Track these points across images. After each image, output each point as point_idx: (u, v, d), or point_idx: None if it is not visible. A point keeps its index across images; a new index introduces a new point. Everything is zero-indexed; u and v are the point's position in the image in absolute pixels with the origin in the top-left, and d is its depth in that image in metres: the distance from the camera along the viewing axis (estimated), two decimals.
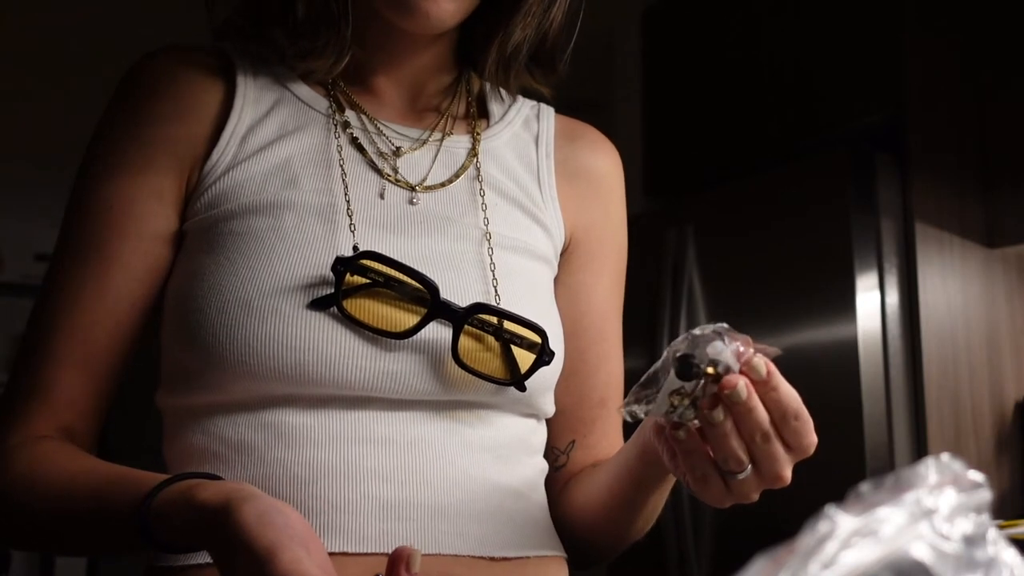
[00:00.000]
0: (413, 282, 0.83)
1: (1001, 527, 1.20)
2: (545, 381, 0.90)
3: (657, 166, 3.02)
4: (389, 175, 0.92)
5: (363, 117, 0.95)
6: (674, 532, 2.48)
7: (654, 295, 2.60)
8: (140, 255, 0.88)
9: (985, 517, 0.36)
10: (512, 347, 0.86)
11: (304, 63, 0.92)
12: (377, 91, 0.97)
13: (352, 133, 0.93)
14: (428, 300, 0.83)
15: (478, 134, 0.99)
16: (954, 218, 2.34)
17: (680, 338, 0.72)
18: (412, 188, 0.92)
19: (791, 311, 2.33)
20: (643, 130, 3.07)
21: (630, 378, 0.84)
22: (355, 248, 0.85)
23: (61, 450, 0.83)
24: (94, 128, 0.93)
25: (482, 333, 0.85)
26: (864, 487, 0.34)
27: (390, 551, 0.80)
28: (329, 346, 0.81)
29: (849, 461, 2.16)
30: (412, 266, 0.83)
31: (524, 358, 0.86)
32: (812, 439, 0.71)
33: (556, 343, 0.90)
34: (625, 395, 0.80)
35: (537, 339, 0.86)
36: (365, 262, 0.82)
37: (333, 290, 0.81)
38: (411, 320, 0.83)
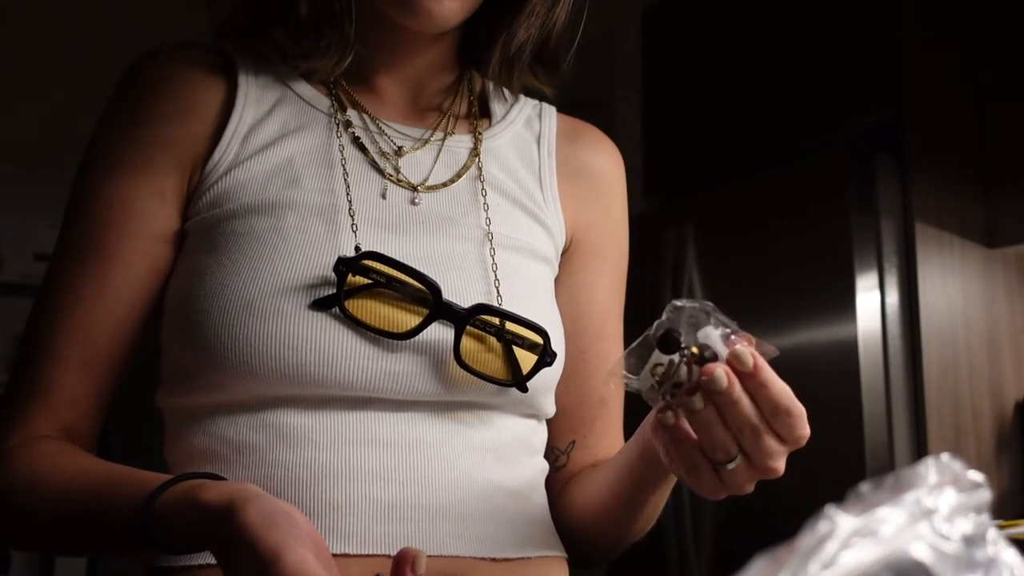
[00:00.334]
0: (415, 283, 0.83)
1: (1001, 527, 1.20)
2: (546, 382, 0.90)
3: (657, 166, 3.02)
4: (391, 175, 0.91)
5: (365, 116, 0.94)
6: (674, 532, 2.48)
7: (654, 295, 2.60)
8: (140, 255, 0.88)
9: (985, 517, 0.36)
10: (514, 348, 0.85)
11: (307, 62, 0.91)
12: (379, 90, 0.97)
13: (354, 132, 0.93)
14: (430, 301, 0.83)
15: (480, 133, 0.98)
16: (954, 218, 2.34)
17: (667, 307, 0.71)
18: (414, 188, 0.92)
19: (791, 311, 2.33)
20: (643, 130, 3.07)
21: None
22: (357, 248, 0.85)
23: (61, 450, 0.83)
24: (94, 127, 0.93)
25: (484, 334, 0.84)
26: (864, 487, 0.34)
27: (391, 552, 0.80)
28: (331, 346, 0.81)
29: (849, 461, 2.16)
30: (414, 267, 0.83)
31: (526, 359, 0.86)
32: (805, 431, 0.70)
33: (557, 344, 0.90)
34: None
35: (539, 340, 0.86)
36: (367, 262, 0.82)
37: (335, 290, 0.81)
38: (413, 321, 0.83)
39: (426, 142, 0.95)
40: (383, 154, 0.93)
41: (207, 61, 0.93)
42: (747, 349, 0.69)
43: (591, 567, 1.02)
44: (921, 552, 0.31)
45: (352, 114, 0.94)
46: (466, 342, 0.83)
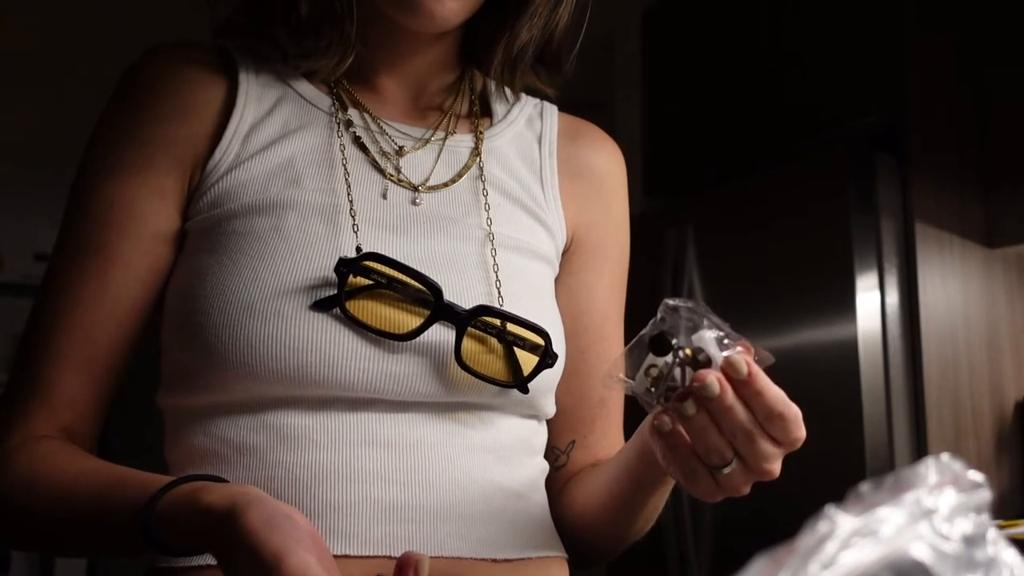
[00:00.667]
0: (416, 284, 0.83)
1: (1001, 527, 1.20)
2: (547, 382, 0.90)
3: (657, 166, 3.02)
4: (392, 175, 0.91)
5: (366, 116, 0.94)
6: (674, 532, 2.48)
7: (654, 295, 2.60)
8: (141, 254, 0.87)
9: (985, 517, 0.36)
10: (515, 349, 0.85)
11: (307, 62, 0.91)
12: (380, 89, 0.97)
13: (355, 132, 0.93)
14: (431, 302, 0.82)
15: (481, 133, 0.98)
16: (954, 218, 2.34)
17: (661, 306, 0.71)
18: (415, 188, 0.91)
19: (791, 311, 2.33)
20: (643, 130, 3.07)
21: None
22: (358, 249, 0.85)
23: (61, 450, 0.83)
24: (94, 127, 0.92)
25: (485, 335, 0.84)
26: (864, 487, 0.34)
27: (392, 553, 0.80)
28: (331, 348, 0.81)
29: (849, 461, 2.16)
30: (415, 268, 0.83)
31: (527, 360, 0.86)
32: (800, 434, 0.70)
33: (558, 345, 0.90)
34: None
35: (540, 341, 0.86)
36: (368, 263, 0.82)
37: (336, 291, 0.81)
38: (414, 322, 0.82)
39: (427, 142, 0.95)
40: (384, 154, 0.92)
41: (207, 60, 0.93)
42: (742, 357, 0.68)
43: (591, 567, 1.02)
44: (921, 552, 0.31)
45: (353, 113, 0.94)
46: (467, 343, 0.83)
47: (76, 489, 0.79)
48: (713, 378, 0.68)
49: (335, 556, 0.78)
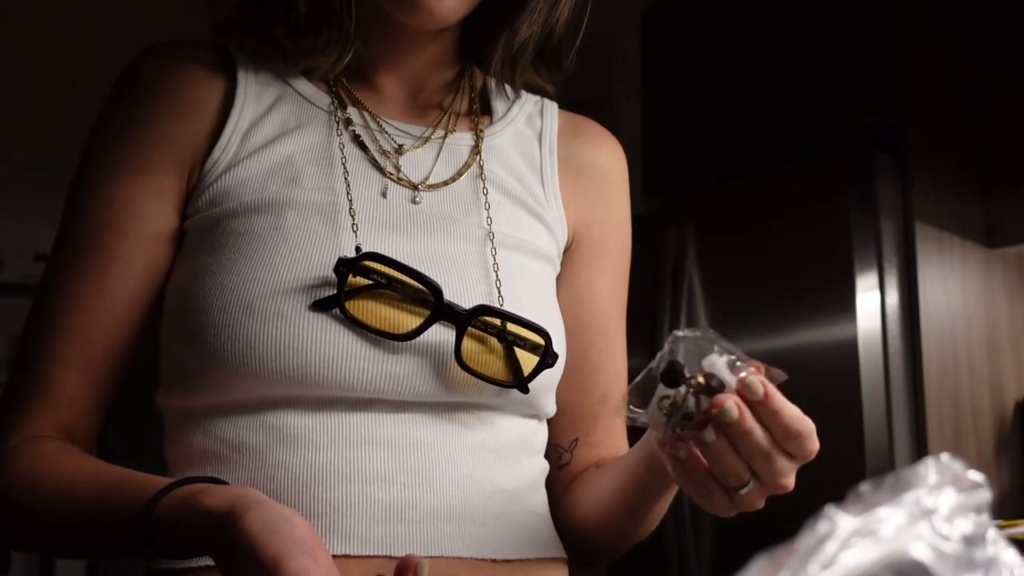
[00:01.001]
0: (416, 284, 0.82)
1: (1001, 527, 1.20)
2: (547, 382, 0.90)
3: (657, 166, 3.02)
4: (391, 173, 0.91)
5: (365, 114, 0.94)
6: (674, 532, 2.48)
7: (654, 295, 2.60)
8: (140, 254, 0.87)
9: (985, 517, 0.36)
10: (515, 349, 0.85)
11: (306, 60, 0.91)
12: (379, 87, 0.96)
13: (354, 130, 0.92)
14: (431, 302, 0.82)
15: (481, 131, 0.98)
16: (954, 218, 2.34)
17: (668, 338, 0.71)
18: (415, 187, 0.91)
19: (791, 311, 2.33)
20: (643, 130, 3.07)
21: (632, 377, 0.83)
22: (358, 248, 0.84)
23: (61, 451, 0.83)
24: (92, 125, 0.92)
25: (485, 335, 0.84)
26: (864, 487, 0.34)
27: (392, 553, 0.80)
28: (331, 348, 0.80)
29: (849, 461, 2.16)
30: (415, 267, 0.83)
31: (527, 360, 0.85)
32: (815, 447, 0.71)
33: (559, 344, 0.90)
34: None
35: (540, 341, 0.85)
36: (368, 263, 0.82)
37: (335, 291, 0.81)
38: (414, 322, 0.82)
39: (427, 140, 0.95)
40: (383, 152, 0.92)
41: (206, 59, 0.93)
42: (757, 377, 0.68)
43: (593, 566, 1.02)
44: (921, 552, 0.31)
45: (352, 112, 0.94)
46: (467, 343, 0.83)
47: (76, 490, 0.79)
48: (731, 403, 0.68)
49: (335, 556, 0.78)
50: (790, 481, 0.72)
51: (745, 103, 2.74)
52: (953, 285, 2.30)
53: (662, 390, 0.70)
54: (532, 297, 0.91)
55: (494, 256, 0.90)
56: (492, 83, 1.03)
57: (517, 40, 0.93)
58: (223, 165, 0.88)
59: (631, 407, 0.73)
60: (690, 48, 2.96)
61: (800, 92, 2.58)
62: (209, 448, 0.83)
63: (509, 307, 0.86)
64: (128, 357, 0.89)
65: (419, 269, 0.83)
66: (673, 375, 0.69)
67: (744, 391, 0.68)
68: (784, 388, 0.71)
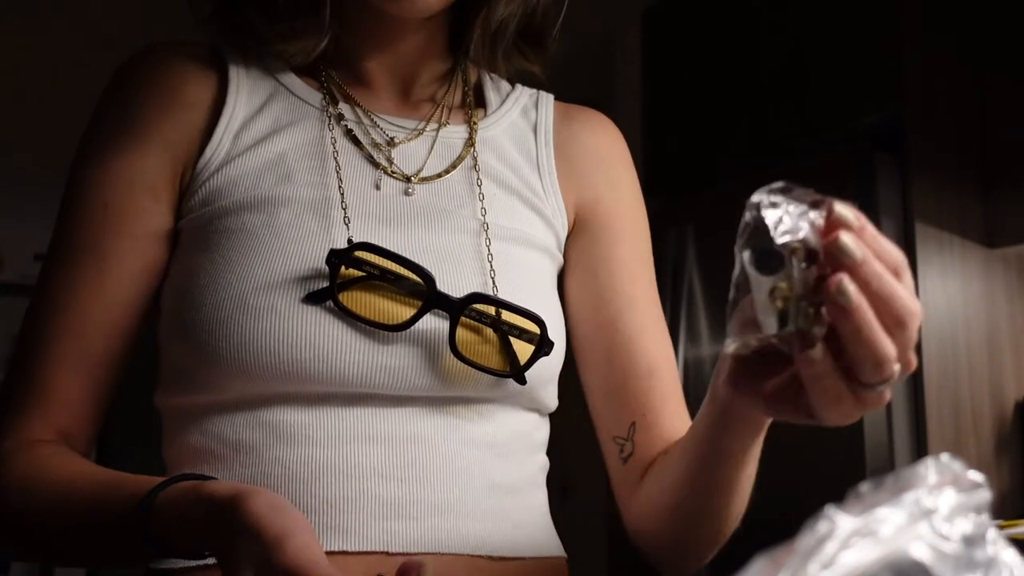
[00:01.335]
0: (409, 273, 0.82)
1: (1001, 527, 1.20)
2: (546, 372, 0.89)
3: (657, 166, 3.02)
4: (384, 166, 0.91)
5: (357, 109, 0.94)
6: None
7: None
8: (136, 254, 0.87)
9: (985, 517, 0.36)
10: (511, 339, 0.85)
11: (283, 45, 0.91)
12: (370, 83, 0.96)
13: (347, 125, 0.92)
14: (424, 292, 0.82)
15: (475, 123, 0.98)
16: (954, 218, 2.34)
17: (742, 225, 0.57)
18: (407, 179, 0.91)
19: None
20: (643, 130, 3.07)
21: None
22: (350, 241, 0.84)
23: (57, 454, 0.83)
24: (88, 123, 0.92)
25: (480, 325, 0.84)
26: (864, 487, 0.34)
27: (389, 549, 0.80)
28: (325, 341, 0.80)
29: (849, 461, 2.16)
30: (407, 256, 0.82)
31: (523, 350, 0.85)
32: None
33: (556, 333, 0.89)
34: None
35: (536, 329, 0.85)
36: (360, 254, 0.81)
37: (328, 284, 0.81)
38: (408, 312, 0.82)
39: (420, 133, 0.95)
40: (376, 145, 0.92)
41: (199, 58, 0.93)
42: (848, 237, 0.55)
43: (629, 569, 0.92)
44: (921, 552, 0.31)
45: (344, 107, 0.94)
46: (462, 333, 0.82)
47: (73, 491, 0.79)
48: (846, 283, 0.54)
49: (332, 552, 0.78)
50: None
51: (745, 103, 2.74)
52: (953, 285, 2.30)
53: (763, 284, 0.56)
54: (528, 287, 0.90)
55: (488, 247, 0.89)
56: (486, 77, 1.03)
57: (494, 19, 0.92)
58: (216, 163, 0.88)
59: (743, 337, 0.59)
60: (690, 48, 2.96)
61: (800, 92, 2.58)
62: (206, 446, 0.83)
63: (505, 297, 0.86)
64: (125, 358, 0.88)
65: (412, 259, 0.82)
66: (769, 259, 0.55)
67: (838, 254, 0.55)
68: None
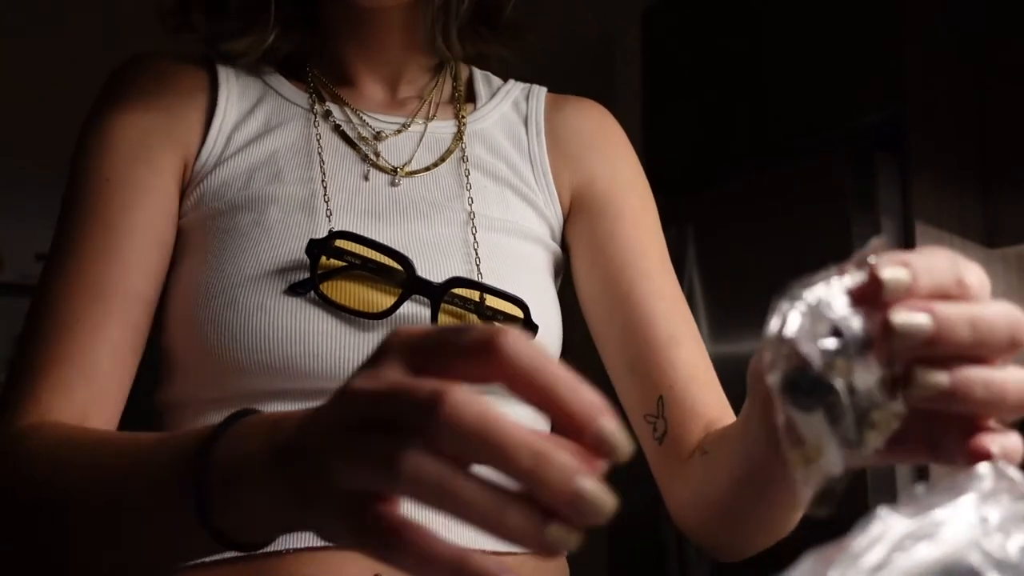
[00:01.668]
0: (388, 260, 0.82)
1: None
2: None
3: (657, 166, 3.02)
4: (372, 159, 0.92)
5: (345, 108, 0.95)
6: (674, 532, 2.49)
7: None
8: (146, 226, 0.86)
9: None
10: (496, 325, 0.83)
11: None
12: (356, 82, 0.97)
13: (334, 122, 0.94)
14: (405, 279, 0.82)
15: (463, 117, 0.98)
16: (954, 218, 2.34)
17: (773, 335, 0.45)
18: (394, 171, 0.92)
19: None
20: (643, 130, 3.08)
21: None
22: (330, 232, 0.84)
23: (81, 428, 0.76)
24: (86, 118, 0.91)
25: (463, 311, 0.83)
26: (919, 489, 0.34)
27: None
28: (311, 333, 0.80)
29: None
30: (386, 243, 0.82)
31: None
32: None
33: (547, 319, 0.88)
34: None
35: (519, 313, 0.84)
36: (340, 244, 0.82)
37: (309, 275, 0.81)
38: (389, 300, 0.82)
39: (407, 128, 0.96)
40: (363, 139, 0.93)
41: (189, 66, 0.94)
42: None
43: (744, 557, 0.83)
44: (976, 559, 0.30)
45: (332, 106, 0.95)
46: (444, 319, 0.82)
47: (103, 449, 0.68)
48: (922, 316, 0.44)
49: (328, 550, 0.76)
50: None
51: (745, 103, 2.74)
52: None
53: (802, 418, 0.44)
54: (513, 273, 0.89)
55: (474, 236, 0.90)
56: (477, 72, 1.03)
57: None
58: (209, 165, 0.89)
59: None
60: (690, 48, 2.96)
61: (800, 91, 2.59)
62: None
63: (489, 283, 0.85)
64: (144, 331, 0.84)
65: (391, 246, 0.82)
66: (802, 386, 0.43)
67: (902, 334, 0.44)
68: None
